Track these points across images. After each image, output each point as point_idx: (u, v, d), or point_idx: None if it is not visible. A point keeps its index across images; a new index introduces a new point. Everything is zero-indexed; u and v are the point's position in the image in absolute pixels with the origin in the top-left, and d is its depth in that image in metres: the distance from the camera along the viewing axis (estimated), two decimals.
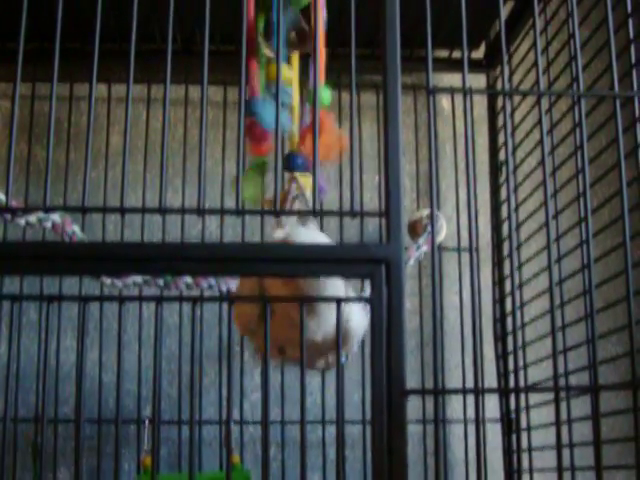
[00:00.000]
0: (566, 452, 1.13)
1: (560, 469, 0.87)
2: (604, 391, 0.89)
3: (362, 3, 0.88)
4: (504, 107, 0.95)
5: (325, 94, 1.07)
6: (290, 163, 1.06)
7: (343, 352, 1.07)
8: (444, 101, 1.61)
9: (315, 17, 0.88)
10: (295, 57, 1.09)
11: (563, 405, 1.16)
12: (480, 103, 1.56)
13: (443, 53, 1.56)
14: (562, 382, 1.11)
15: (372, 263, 0.76)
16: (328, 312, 0.97)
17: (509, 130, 0.95)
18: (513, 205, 1.06)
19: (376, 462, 0.74)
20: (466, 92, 0.90)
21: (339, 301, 0.78)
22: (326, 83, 1.08)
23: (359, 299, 0.98)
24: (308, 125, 1.07)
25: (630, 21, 1.03)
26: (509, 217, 0.99)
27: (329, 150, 1.02)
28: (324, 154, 1.02)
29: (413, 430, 1.47)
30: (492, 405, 1.46)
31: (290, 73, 1.07)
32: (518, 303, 1.31)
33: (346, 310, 1.01)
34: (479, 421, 0.85)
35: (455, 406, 1.50)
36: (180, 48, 1.50)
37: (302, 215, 1.00)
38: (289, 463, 1.43)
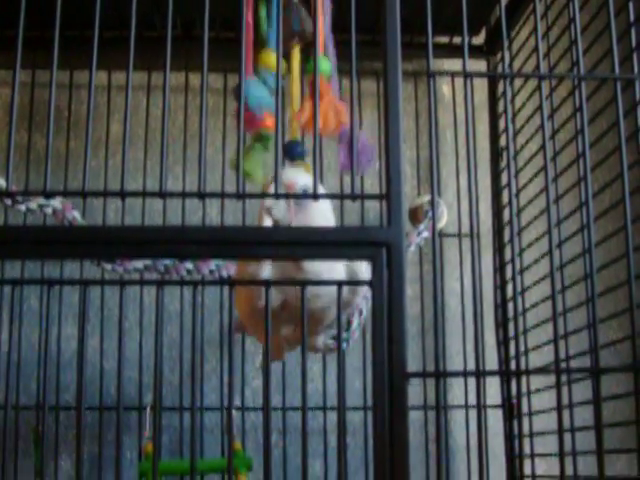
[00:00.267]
0: (567, 437, 1.13)
1: (562, 454, 0.87)
2: (605, 374, 0.89)
3: None
4: (505, 91, 0.95)
5: (325, 64, 1.05)
6: (289, 152, 1.05)
7: (345, 312, 1.06)
8: (445, 88, 1.61)
9: None
10: (296, 50, 1.09)
11: (564, 390, 1.16)
12: (480, 90, 1.56)
13: (444, 39, 1.56)
14: (563, 366, 1.11)
15: (373, 246, 0.76)
16: (326, 274, 0.97)
17: (510, 114, 0.95)
18: (514, 191, 1.06)
19: (377, 448, 0.74)
20: (467, 75, 0.90)
21: (340, 284, 0.79)
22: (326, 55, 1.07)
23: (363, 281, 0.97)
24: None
25: (630, 4, 1.03)
26: (510, 203, 1.00)
27: (328, 120, 1.01)
28: (323, 124, 1.00)
29: (414, 417, 1.47)
30: (493, 392, 1.46)
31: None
32: (519, 289, 1.31)
33: (352, 265, 1.01)
34: (480, 404, 0.85)
35: (457, 393, 1.51)
36: (180, 35, 1.50)
37: (302, 199, 0.99)
38: (290, 450, 1.44)
